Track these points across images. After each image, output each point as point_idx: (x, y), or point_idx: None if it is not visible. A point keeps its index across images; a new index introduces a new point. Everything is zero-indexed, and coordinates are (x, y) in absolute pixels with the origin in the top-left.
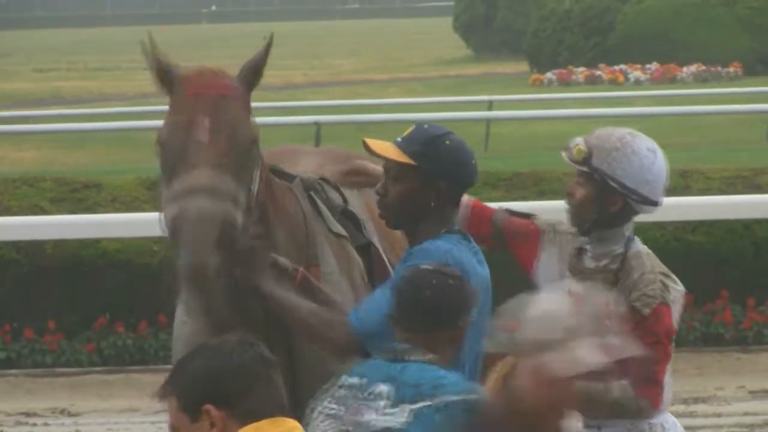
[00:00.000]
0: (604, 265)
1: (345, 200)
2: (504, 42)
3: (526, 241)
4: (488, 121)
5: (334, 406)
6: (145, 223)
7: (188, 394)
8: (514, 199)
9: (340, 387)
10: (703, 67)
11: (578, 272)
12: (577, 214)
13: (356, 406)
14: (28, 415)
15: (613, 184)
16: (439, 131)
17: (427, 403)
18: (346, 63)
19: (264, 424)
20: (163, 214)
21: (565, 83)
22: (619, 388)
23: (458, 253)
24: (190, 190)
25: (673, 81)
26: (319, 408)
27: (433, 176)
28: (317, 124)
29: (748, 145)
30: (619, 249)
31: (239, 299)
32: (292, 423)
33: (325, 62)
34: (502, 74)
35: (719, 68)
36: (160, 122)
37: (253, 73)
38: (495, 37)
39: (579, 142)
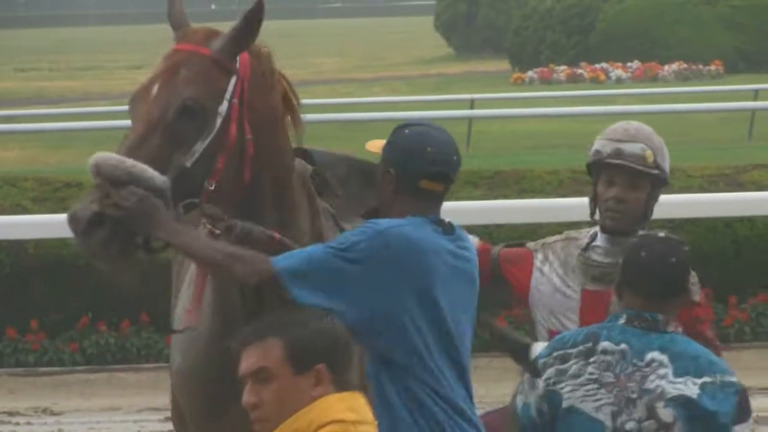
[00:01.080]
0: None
1: (336, 195)
2: (485, 40)
3: (519, 264)
4: (470, 120)
5: (595, 371)
6: None
7: (305, 347)
8: (496, 197)
9: (594, 353)
10: (685, 65)
11: (592, 268)
12: (631, 216)
13: (630, 373)
14: (10, 414)
15: (667, 179)
16: (410, 122)
17: (709, 379)
18: (328, 62)
19: (347, 395)
20: None
21: (547, 82)
22: None
23: (409, 230)
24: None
25: (654, 79)
26: (572, 372)
27: (387, 164)
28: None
29: (730, 143)
30: None
31: (253, 301)
32: (364, 398)
33: (307, 61)
34: (483, 73)
35: (701, 66)
36: None
37: (243, 30)
38: (476, 36)
39: (642, 149)
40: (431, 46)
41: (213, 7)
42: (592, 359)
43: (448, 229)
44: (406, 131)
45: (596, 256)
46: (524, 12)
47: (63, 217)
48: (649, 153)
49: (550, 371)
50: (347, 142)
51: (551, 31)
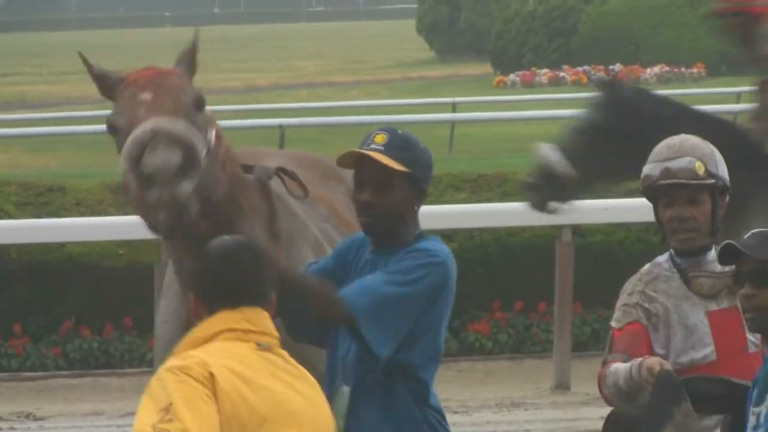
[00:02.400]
0: (709, 269)
1: (306, 189)
2: (467, 44)
3: (644, 342)
4: (452, 123)
5: None
6: (110, 226)
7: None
8: (479, 201)
9: None
10: (667, 68)
11: (707, 282)
12: (700, 231)
13: None
14: None
15: (722, 183)
16: (407, 134)
17: None
18: (310, 65)
19: (247, 310)
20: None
21: (529, 85)
22: None
23: (448, 251)
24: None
25: (636, 82)
26: None
27: (420, 181)
28: (281, 126)
29: None
30: None
31: None
32: (267, 316)
33: (289, 64)
34: (465, 76)
35: (683, 69)
36: None
37: (188, 61)
38: (458, 39)
39: (690, 161)
40: (413, 49)
41: (216, 10)
42: None
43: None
44: (421, 145)
45: (705, 279)
46: (506, 15)
47: (46, 221)
48: (698, 164)
49: None
50: (328, 146)
51: (533, 34)
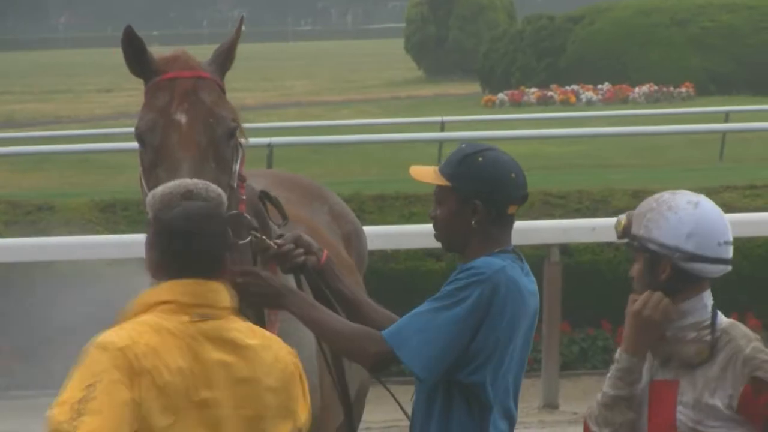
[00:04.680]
0: (693, 337)
1: (285, 217)
2: (456, 63)
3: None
4: (440, 142)
5: None
6: (99, 245)
7: None
8: None
9: None
10: (655, 87)
11: (665, 345)
12: (640, 293)
13: None
14: None
15: (652, 246)
16: (473, 149)
17: None
18: (298, 84)
19: (198, 281)
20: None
21: (518, 104)
22: None
23: (511, 271)
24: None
25: (625, 101)
26: None
27: (467, 195)
28: (270, 145)
29: (702, 164)
30: (705, 320)
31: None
32: (224, 288)
33: (277, 84)
34: (454, 95)
35: (671, 88)
36: (115, 145)
37: (225, 56)
38: (447, 58)
39: (621, 217)
40: (401, 68)
41: (204, 29)
42: None
43: (520, 260)
44: (480, 159)
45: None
46: (495, 34)
47: (35, 240)
48: (619, 222)
49: None
50: (317, 165)
51: (521, 53)
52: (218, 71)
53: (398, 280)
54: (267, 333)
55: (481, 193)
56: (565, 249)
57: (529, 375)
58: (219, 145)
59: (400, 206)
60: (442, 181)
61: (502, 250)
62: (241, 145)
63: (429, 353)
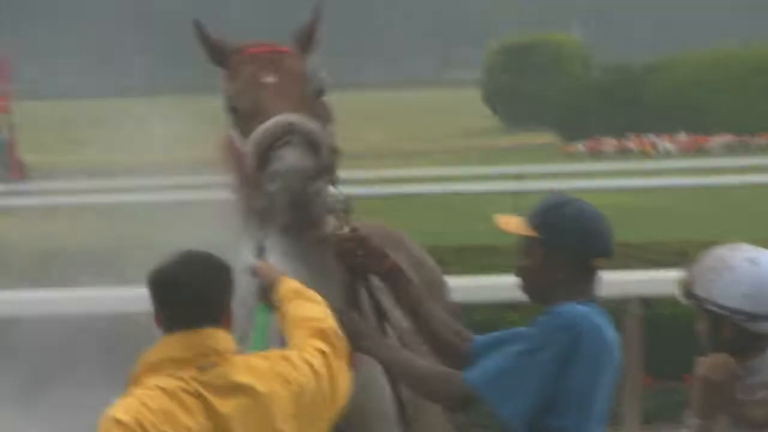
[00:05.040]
0: (761, 397)
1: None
2: (531, 112)
3: None
4: (516, 194)
5: None
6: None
7: None
8: None
9: None
10: (733, 137)
11: (733, 407)
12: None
13: None
14: None
15: (712, 308)
16: (559, 199)
17: None
18: (374, 134)
19: (200, 332)
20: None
21: (595, 154)
22: None
23: (596, 318)
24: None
25: (700, 151)
26: None
27: (555, 247)
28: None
29: None
30: None
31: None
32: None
33: (353, 134)
34: (530, 145)
35: (748, 138)
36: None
37: (306, 37)
38: (522, 108)
39: (684, 275)
40: (477, 117)
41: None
42: None
43: (604, 313)
44: (566, 211)
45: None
46: (570, 83)
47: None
48: (680, 281)
49: None
50: (392, 216)
51: (597, 102)
52: (301, 49)
53: (476, 331)
54: (267, 360)
55: (568, 245)
56: (646, 301)
57: (610, 428)
58: (310, 102)
59: (478, 257)
60: (529, 232)
61: (587, 302)
62: (330, 111)
63: (517, 397)
